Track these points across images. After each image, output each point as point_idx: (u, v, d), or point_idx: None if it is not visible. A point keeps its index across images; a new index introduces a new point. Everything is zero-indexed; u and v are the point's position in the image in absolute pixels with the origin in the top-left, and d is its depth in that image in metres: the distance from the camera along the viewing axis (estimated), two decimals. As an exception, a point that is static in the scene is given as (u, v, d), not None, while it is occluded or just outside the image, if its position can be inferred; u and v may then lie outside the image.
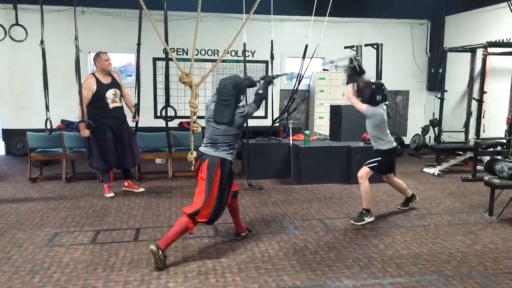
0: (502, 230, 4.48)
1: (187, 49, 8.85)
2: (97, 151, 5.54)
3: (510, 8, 6.46)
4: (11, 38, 5.28)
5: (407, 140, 9.52)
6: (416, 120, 9.95)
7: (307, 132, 6.84)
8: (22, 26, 5.35)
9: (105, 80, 5.50)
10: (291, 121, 6.87)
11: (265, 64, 9.15)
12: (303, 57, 6.46)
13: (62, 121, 8.39)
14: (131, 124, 5.90)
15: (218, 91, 3.70)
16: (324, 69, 9.34)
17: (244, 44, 6.24)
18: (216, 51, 9.01)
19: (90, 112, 5.45)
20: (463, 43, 8.35)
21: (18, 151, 8.48)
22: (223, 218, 3.78)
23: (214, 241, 4.10)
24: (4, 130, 8.79)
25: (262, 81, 4.02)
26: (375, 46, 8.45)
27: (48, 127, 5.61)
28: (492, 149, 7.23)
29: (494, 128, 7.65)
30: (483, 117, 7.39)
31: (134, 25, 6.00)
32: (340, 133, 6.84)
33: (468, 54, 8.18)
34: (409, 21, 9.68)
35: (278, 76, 5.69)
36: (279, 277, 3.35)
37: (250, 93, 5.41)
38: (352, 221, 4.65)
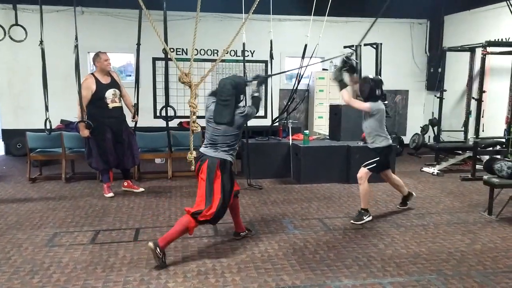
0: (501, 229, 4.49)
1: (186, 49, 8.86)
2: (97, 151, 5.54)
3: (509, 8, 6.46)
4: (11, 38, 5.28)
5: (406, 139, 9.54)
6: (416, 120, 9.96)
7: (306, 131, 6.85)
8: (21, 26, 5.35)
9: (105, 80, 5.51)
10: (290, 121, 6.88)
11: (264, 64, 9.15)
12: (302, 57, 6.46)
13: (62, 121, 8.40)
14: (131, 124, 5.90)
15: (218, 91, 3.71)
16: (323, 69, 9.35)
17: (244, 44, 6.24)
18: (215, 51, 9.02)
19: (89, 112, 5.45)
20: (462, 43, 8.36)
21: (17, 151, 8.48)
22: (222, 218, 3.78)
23: (214, 241, 4.10)
24: (3, 130, 8.79)
25: (254, 81, 4.00)
26: (375, 46, 8.45)
27: (48, 127, 5.60)
28: (491, 148, 7.25)
29: (493, 128, 7.66)
30: (482, 117, 7.40)
31: (133, 25, 6.00)
32: (339, 132, 6.84)
33: (467, 54, 8.18)
34: (409, 20, 9.70)
35: (270, 76, 5.67)
36: (279, 277, 3.35)
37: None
38: (351, 221, 4.66)
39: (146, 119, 7.21)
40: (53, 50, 7.15)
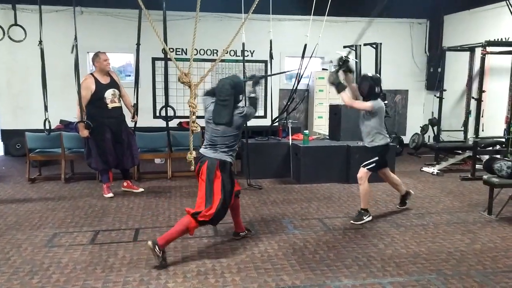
0: (501, 229, 4.49)
1: (186, 49, 8.85)
2: (96, 151, 5.53)
3: (509, 7, 6.46)
4: (10, 38, 5.27)
5: (406, 139, 9.53)
6: (415, 120, 9.95)
7: (306, 131, 6.85)
8: (21, 26, 5.34)
9: (104, 80, 5.50)
10: (290, 121, 6.87)
11: (264, 63, 9.15)
12: (302, 57, 6.45)
13: (61, 121, 8.39)
14: (130, 124, 5.90)
15: (217, 91, 3.71)
16: (323, 69, 9.34)
17: (243, 44, 6.23)
18: (215, 51, 9.01)
19: (89, 112, 5.44)
20: (461, 42, 8.35)
21: (16, 151, 8.47)
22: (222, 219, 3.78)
23: (214, 241, 4.09)
24: (2, 131, 8.77)
25: (249, 81, 3.99)
26: (374, 46, 8.45)
27: (47, 127, 5.60)
28: (491, 148, 7.25)
29: (493, 127, 7.66)
30: (482, 116, 7.40)
31: (133, 25, 6.00)
32: (339, 132, 6.84)
33: (467, 53, 8.18)
34: (408, 20, 9.69)
35: (265, 76, 5.65)
36: (279, 277, 3.35)
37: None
38: (351, 221, 4.66)
39: (145, 119, 7.20)
40: (53, 50, 7.13)
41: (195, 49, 4.20)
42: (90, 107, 5.44)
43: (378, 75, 5.02)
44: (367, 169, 4.68)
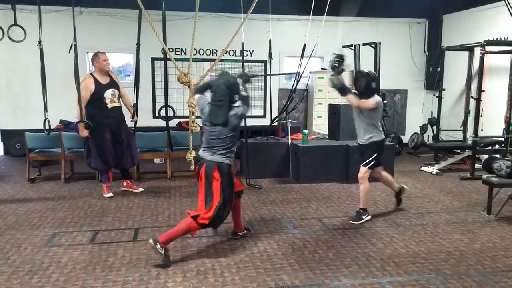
0: (500, 229, 4.50)
1: (185, 49, 8.84)
2: (96, 151, 5.54)
3: (508, 7, 6.47)
4: (10, 38, 5.27)
5: (405, 139, 9.54)
6: (415, 119, 9.95)
7: (305, 131, 6.85)
8: (20, 26, 5.34)
9: (103, 80, 5.51)
10: (289, 120, 6.88)
11: (263, 63, 9.15)
12: (301, 57, 6.46)
13: (61, 121, 8.39)
14: (130, 124, 5.90)
15: (212, 91, 3.69)
16: (322, 68, 9.35)
17: (242, 44, 6.23)
18: (214, 51, 9.01)
19: (88, 112, 5.44)
20: (461, 42, 8.37)
21: (16, 151, 8.47)
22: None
23: (213, 240, 4.10)
24: (2, 131, 8.77)
25: (239, 79, 3.96)
26: (373, 45, 8.46)
27: (47, 127, 5.60)
28: (490, 147, 7.26)
29: (492, 127, 7.67)
30: (481, 116, 7.39)
31: (132, 25, 6.00)
32: (338, 132, 6.84)
33: (466, 53, 8.18)
34: (407, 20, 9.69)
35: (255, 76, 5.63)
36: (278, 276, 3.36)
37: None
38: (350, 221, 4.66)
39: (145, 119, 7.20)
40: (52, 50, 7.13)
41: (194, 49, 4.22)
42: (90, 107, 5.45)
43: (373, 71, 4.99)
44: (368, 167, 4.68)
